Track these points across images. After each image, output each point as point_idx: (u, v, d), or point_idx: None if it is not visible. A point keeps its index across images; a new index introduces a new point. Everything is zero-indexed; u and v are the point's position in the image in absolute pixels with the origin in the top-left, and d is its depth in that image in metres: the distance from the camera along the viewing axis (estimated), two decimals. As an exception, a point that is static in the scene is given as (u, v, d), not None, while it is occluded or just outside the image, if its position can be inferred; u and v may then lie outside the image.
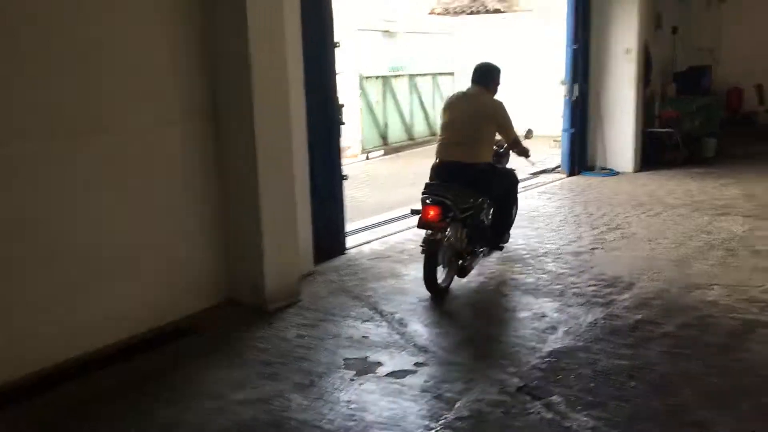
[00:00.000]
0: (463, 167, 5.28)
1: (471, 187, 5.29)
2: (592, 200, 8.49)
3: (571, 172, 10.37)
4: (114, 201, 4.34)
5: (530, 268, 5.82)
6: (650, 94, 11.52)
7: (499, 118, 5.40)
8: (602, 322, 4.56)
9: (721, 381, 3.67)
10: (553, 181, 10.00)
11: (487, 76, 5.57)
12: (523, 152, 5.80)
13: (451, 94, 5.82)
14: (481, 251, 5.60)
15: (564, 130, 10.43)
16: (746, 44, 13.26)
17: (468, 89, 5.65)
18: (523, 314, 4.80)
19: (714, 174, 9.64)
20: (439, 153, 5.50)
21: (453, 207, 5.00)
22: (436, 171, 5.46)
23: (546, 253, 6.24)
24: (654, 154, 10.70)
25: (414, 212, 5.17)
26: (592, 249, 6.31)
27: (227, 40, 4.73)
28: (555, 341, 4.28)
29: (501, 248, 5.98)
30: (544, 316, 4.73)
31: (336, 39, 6.06)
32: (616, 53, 10.13)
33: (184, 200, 4.80)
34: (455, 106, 5.52)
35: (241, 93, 4.71)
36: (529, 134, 6.37)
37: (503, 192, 5.78)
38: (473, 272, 5.52)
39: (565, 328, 4.47)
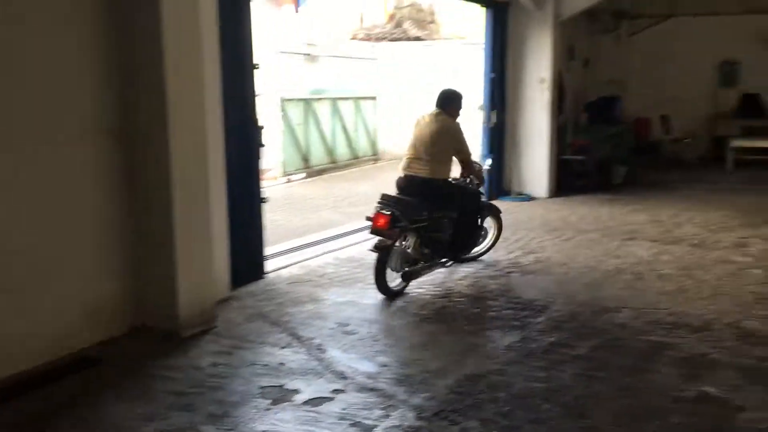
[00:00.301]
0: (420, 181, 5.82)
1: (428, 200, 5.75)
2: (509, 225, 8.62)
3: (490, 197, 10.59)
4: (11, 223, 4.10)
5: (449, 291, 5.87)
6: (564, 123, 11.96)
7: (454, 139, 5.91)
8: (518, 345, 4.63)
9: (631, 402, 3.77)
10: (471, 206, 10.18)
11: (447, 101, 6.09)
12: (476, 175, 6.32)
13: (419, 116, 6.24)
14: (444, 262, 6.15)
15: (483, 156, 10.66)
16: (652, 76, 13.99)
17: (431, 112, 6.11)
18: (440, 337, 4.82)
19: (623, 200, 10.06)
20: (402, 167, 6.01)
21: (401, 217, 5.44)
22: (398, 183, 5.98)
23: (464, 276, 6.32)
24: (567, 180, 11.08)
25: (368, 219, 5.55)
26: (508, 273, 6.43)
27: (142, 58, 4.60)
28: (472, 365, 4.31)
29: (461, 261, 6.40)
30: (461, 339, 4.76)
31: (256, 61, 6.00)
32: (532, 82, 10.48)
33: (91, 223, 4.59)
34: (419, 126, 6.05)
35: (155, 113, 4.58)
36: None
37: (460, 208, 6.08)
38: (402, 296, 5.54)
39: (482, 351, 4.52)
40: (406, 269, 5.72)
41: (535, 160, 10.71)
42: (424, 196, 5.74)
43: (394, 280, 5.69)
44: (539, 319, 5.13)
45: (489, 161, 7.10)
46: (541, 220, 8.88)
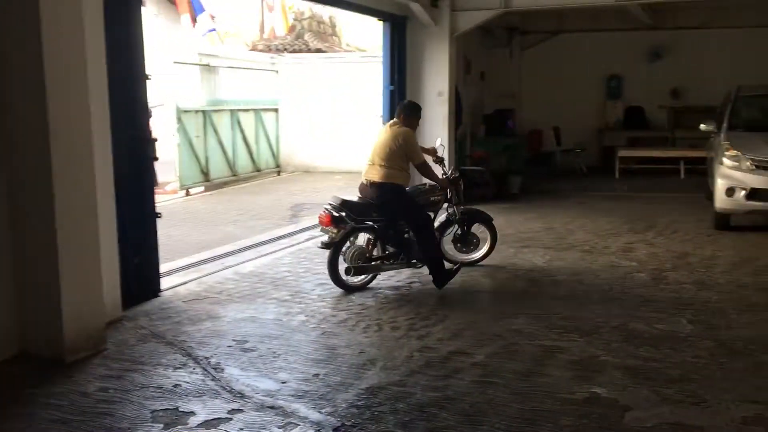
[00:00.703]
0: (372, 185, 6.21)
1: (376, 203, 6.18)
2: (411, 235, 8.77)
3: (392, 208, 10.69)
4: None
5: (351, 304, 5.86)
6: (462, 135, 12.26)
7: (405, 144, 6.15)
8: (418, 355, 4.67)
9: (524, 406, 3.87)
10: (374, 217, 10.24)
11: (403, 111, 6.41)
12: (438, 182, 6.64)
13: (381, 127, 6.74)
14: (414, 263, 6.41)
15: (384, 168, 10.75)
16: (544, 90, 14.59)
17: (390, 122, 6.49)
18: (342, 351, 4.79)
19: (519, 209, 10.40)
20: (363, 173, 6.41)
21: (345, 218, 6.01)
22: (359, 188, 6.43)
23: (376, 287, 6.32)
24: (467, 190, 11.32)
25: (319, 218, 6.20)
26: (410, 283, 6.49)
27: (17, 61, 4.34)
28: (372, 377, 4.30)
29: (419, 266, 6.48)
30: (362, 351, 4.75)
31: (148, 71, 5.80)
32: (430, 95, 10.69)
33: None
34: (378, 135, 6.45)
35: (32, 122, 4.33)
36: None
37: (405, 216, 6.28)
38: (309, 311, 5.49)
39: (382, 363, 4.52)
40: (355, 265, 6.13)
41: (436, 171, 10.87)
42: (373, 199, 6.18)
43: (357, 276, 6.22)
44: (438, 327, 5.20)
45: (438, 141, 7.21)
46: (441, 230, 9.02)
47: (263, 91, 15.67)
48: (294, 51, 16.41)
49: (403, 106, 6.52)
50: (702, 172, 11.56)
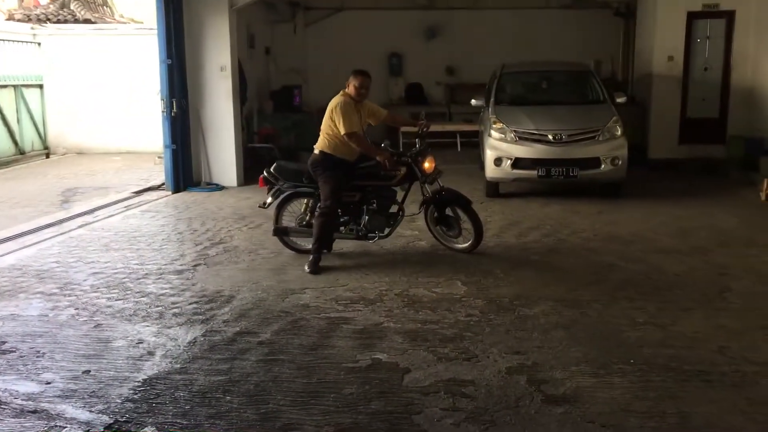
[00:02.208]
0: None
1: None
2: (197, 216, 8.45)
3: (177, 189, 10.21)
4: None
5: (129, 292, 5.49)
6: (249, 111, 12.01)
7: (333, 113, 6.04)
8: (201, 339, 4.50)
9: (309, 380, 3.88)
10: (157, 199, 9.71)
11: (351, 79, 6.20)
12: (369, 153, 6.15)
13: None
14: (371, 236, 6.36)
15: (165, 146, 10.22)
16: (329, 66, 14.71)
17: None
18: (118, 343, 4.47)
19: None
20: None
21: (274, 181, 6.42)
22: None
23: (147, 274, 5.97)
24: (256, 168, 11.14)
25: None
26: (195, 266, 6.23)
27: None
28: (151, 368, 4.06)
29: (371, 239, 6.42)
30: (141, 342, 4.47)
31: None
32: (212, 70, 10.29)
33: None
34: None
35: None
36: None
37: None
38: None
39: (163, 352, 4.29)
40: (288, 227, 6.49)
41: (223, 149, 10.58)
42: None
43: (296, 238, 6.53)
44: (224, 310, 5.05)
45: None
46: (231, 210, 8.81)
47: (24, 65, 14.06)
48: (59, 21, 14.90)
49: (353, 73, 6.26)
50: (475, 145, 12.46)
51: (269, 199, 6.52)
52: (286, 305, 5.15)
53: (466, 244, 6.50)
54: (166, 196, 9.96)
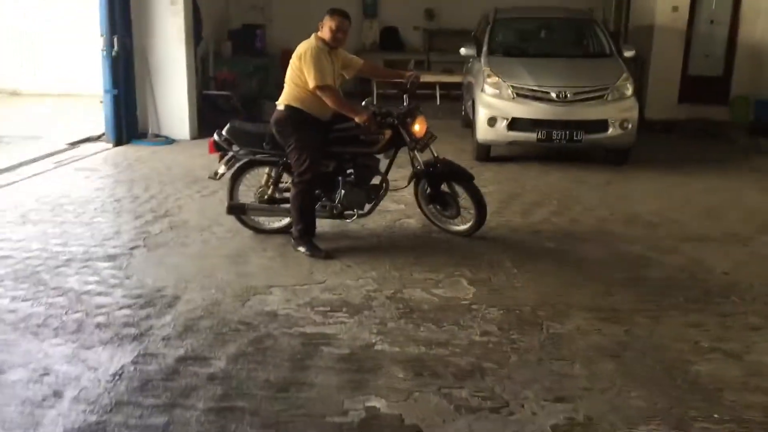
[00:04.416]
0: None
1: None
2: (140, 178, 7.14)
3: (119, 141, 8.84)
4: None
5: (42, 288, 4.24)
6: (204, 53, 10.55)
7: (301, 59, 4.80)
8: (131, 369, 3.32)
9: (280, 445, 2.77)
10: (95, 154, 8.36)
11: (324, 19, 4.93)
12: (349, 113, 4.86)
13: None
14: (349, 214, 5.17)
15: (106, 91, 8.77)
16: (295, 4, 13.18)
17: None
18: (13, 375, 3.26)
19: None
20: None
21: (226, 146, 5.15)
22: None
23: (69, 260, 4.72)
24: (212, 118, 9.77)
25: None
26: (132, 248, 5.00)
27: None
28: (55, 420, 2.88)
29: (350, 219, 5.25)
30: (46, 373, 3.27)
31: None
32: (161, 4, 8.82)
33: None
34: None
35: None
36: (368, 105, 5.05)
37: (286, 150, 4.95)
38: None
39: (75, 393, 3.10)
40: (245, 204, 5.26)
41: (173, 96, 9.18)
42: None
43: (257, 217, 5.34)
44: (166, 319, 3.86)
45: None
46: (182, 170, 7.51)
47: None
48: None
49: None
50: (456, 98, 11.25)
51: (221, 169, 5.26)
52: (247, 312, 3.98)
53: (465, 226, 5.36)
54: (106, 149, 8.60)
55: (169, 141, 9.08)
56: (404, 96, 5.17)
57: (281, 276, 4.54)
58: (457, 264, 4.81)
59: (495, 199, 6.48)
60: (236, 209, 5.27)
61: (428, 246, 5.22)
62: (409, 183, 5.39)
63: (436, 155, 5.24)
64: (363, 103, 5.00)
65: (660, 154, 8.82)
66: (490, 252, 5.09)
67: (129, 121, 8.99)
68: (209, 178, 5.45)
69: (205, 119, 9.61)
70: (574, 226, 5.78)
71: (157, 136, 9.17)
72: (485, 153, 8.24)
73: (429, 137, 5.14)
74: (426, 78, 12.82)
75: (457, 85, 11.10)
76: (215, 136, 5.22)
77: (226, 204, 5.28)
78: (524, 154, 8.44)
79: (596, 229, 5.71)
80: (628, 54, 8.72)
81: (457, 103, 11.14)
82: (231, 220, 5.44)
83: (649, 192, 6.94)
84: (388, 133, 5.03)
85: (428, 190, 5.34)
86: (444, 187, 5.28)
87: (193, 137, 9.24)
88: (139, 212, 5.92)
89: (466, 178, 5.21)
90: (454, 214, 5.33)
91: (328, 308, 4.05)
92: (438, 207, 5.38)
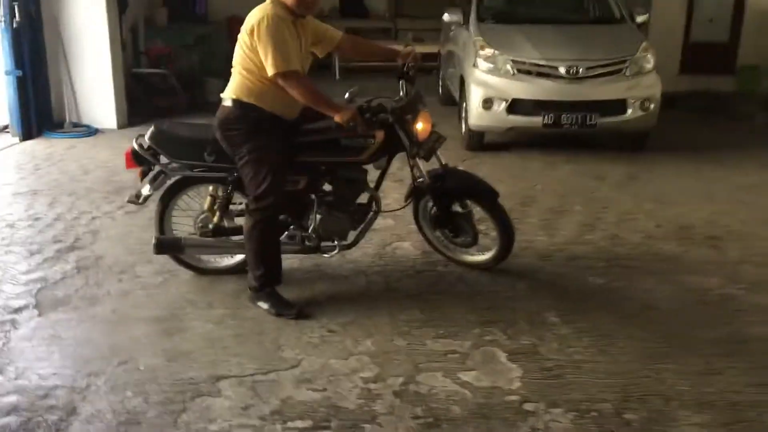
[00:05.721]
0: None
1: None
2: (47, 187, 5.56)
3: (27, 134, 7.16)
4: None
5: None
6: (133, 22, 8.84)
7: (253, 34, 3.27)
8: None
9: None
10: (-4, 151, 6.69)
11: None
12: (327, 109, 3.38)
13: None
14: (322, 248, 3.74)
15: (7, 73, 7.05)
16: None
17: None
18: None
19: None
20: None
21: (150, 157, 3.68)
22: None
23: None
24: (145, 101, 8.16)
25: None
26: (17, 311, 3.47)
27: None
28: None
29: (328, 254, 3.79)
30: None
31: None
32: (72, -39, 7.10)
33: None
34: None
35: None
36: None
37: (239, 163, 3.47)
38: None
39: None
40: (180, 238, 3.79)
41: (95, 76, 7.55)
42: None
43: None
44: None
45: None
46: (103, 173, 5.95)
47: None
48: None
49: None
50: (430, 71, 9.80)
51: (146, 189, 3.73)
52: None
53: (485, 257, 3.98)
54: (11, 145, 6.93)
55: (91, 131, 7.45)
56: (400, 82, 3.70)
57: (234, 355, 3.08)
58: (483, 319, 3.42)
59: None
60: (168, 246, 3.76)
61: (437, 288, 3.81)
62: (407, 202, 3.95)
63: (444, 163, 3.81)
64: (346, 95, 3.48)
65: (673, 135, 7.55)
66: (522, 296, 3.72)
67: (40, 108, 7.32)
68: (128, 201, 3.90)
69: (136, 103, 7.99)
70: (618, 248, 4.43)
71: (76, 125, 7.53)
72: (478, 141, 6.86)
73: (435, 139, 3.69)
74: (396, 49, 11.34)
75: (432, 56, 9.62)
76: (134, 144, 3.71)
77: (154, 239, 3.77)
78: (520, 139, 7.06)
79: (647, 252, 4.38)
80: (640, 19, 7.42)
81: (431, 77, 9.69)
82: (163, 257, 3.93)
83: (688, 191, 5.65)
84: (379, 135, 3.55)
85: (433, 210, 3.91)
86: (455, 206, 3.87)
87: (122, 126, 7.63)
88: (36, 244, 4.35)
89: (488, 197, 3.80)
90: (470, 242, 3.92)
91: (309, 424, 2.62)
92: (447, 232, 3.96)
